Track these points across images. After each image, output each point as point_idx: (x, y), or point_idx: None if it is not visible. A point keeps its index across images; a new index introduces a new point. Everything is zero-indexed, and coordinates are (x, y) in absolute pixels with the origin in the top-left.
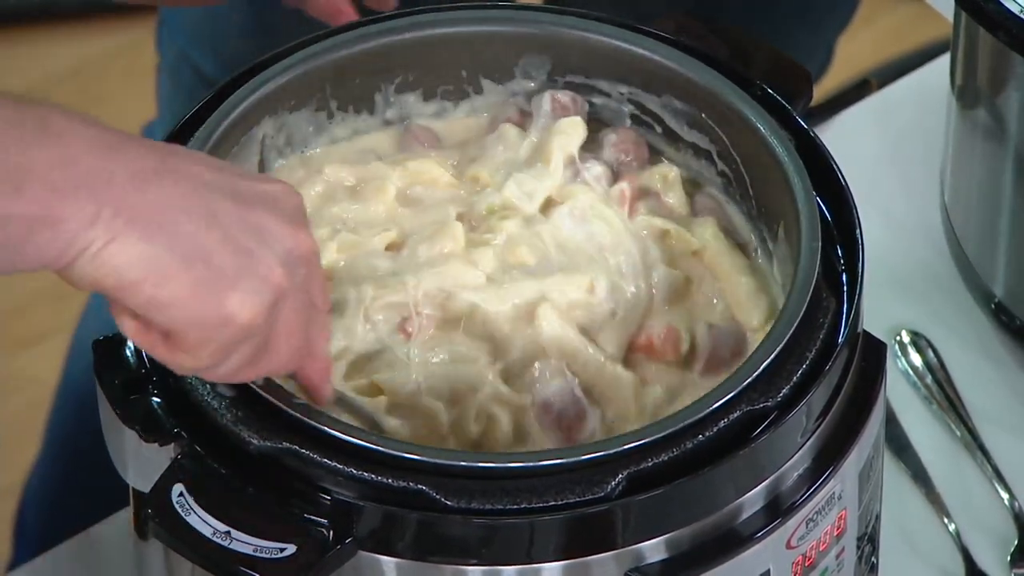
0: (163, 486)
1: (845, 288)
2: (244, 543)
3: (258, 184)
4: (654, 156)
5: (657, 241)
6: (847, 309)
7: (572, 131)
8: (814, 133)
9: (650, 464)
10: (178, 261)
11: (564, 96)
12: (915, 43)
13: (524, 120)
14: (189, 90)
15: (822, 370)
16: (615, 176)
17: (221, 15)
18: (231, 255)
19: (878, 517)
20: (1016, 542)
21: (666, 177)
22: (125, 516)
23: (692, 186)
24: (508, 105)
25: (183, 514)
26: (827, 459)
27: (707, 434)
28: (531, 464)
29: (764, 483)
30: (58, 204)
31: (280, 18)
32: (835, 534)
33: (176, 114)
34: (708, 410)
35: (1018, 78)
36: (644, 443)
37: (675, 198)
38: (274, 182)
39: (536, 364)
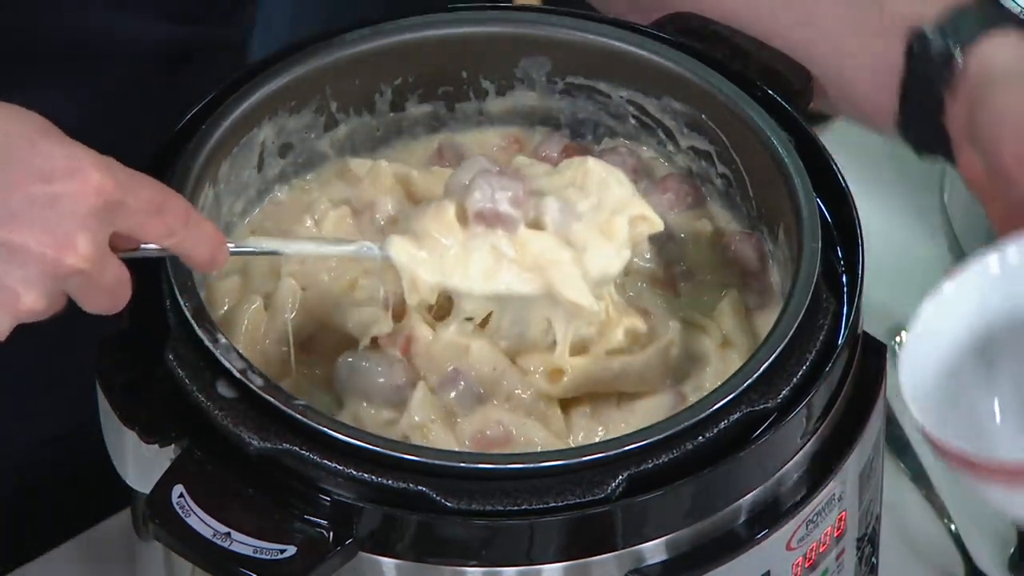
0: (163, 487)
1: (845, 289)
2: (244, 544)
3: (40, 187)
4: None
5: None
6: (847, 310)
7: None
8: (814, 133)
9: (651, 465)
10: None
11: (632, 160)
12: None
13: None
14: None
15: (822, 371)
16: None
17: None
18: None
19: (878, 518)
20: (1016, 543)
21: (700, 234)
22: (125, 517)
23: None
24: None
25: (183, 515)
26: (827, 460)
27: (707, 435)
28: (531, 465)
29: (764, 484)
30: None
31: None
32: (835, 535)
33: None
34: (708, 411)
35: None
36: (645, 444)
37: (703, 256)
38: (68, 178)
39: None
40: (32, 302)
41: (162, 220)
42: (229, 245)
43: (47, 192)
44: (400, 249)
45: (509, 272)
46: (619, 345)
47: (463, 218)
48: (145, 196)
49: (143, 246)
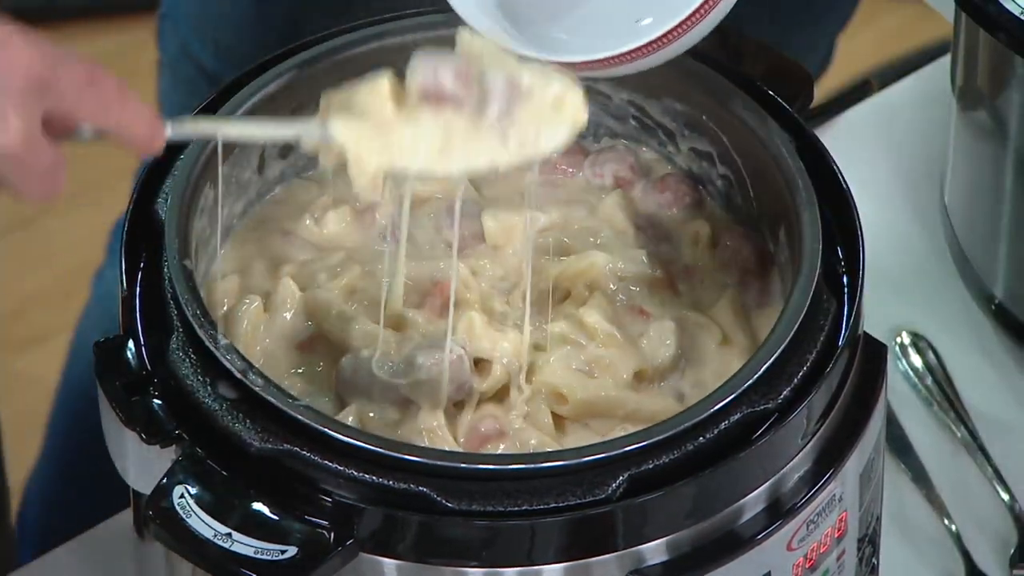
0: (164, 488)
1: (846, 290)
2: (245, 545)
3: None
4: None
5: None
6: (848, 311)
7: (627, 204)
8: (815, 134)
9: (651, 466)
10: None
11: (631, 158)
12: (915, 44)
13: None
14: (189, 85)
15: (823, 372)
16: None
17: (223, 7)
18: None
19: (879, 519)
20: (1016, 543)
21: (698, 234)
22: (126, 517)
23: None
24: None
25: (184, 516)
26: (828, 461)
27: (708, 436)
28: (532, 466)
29: (765, 485)
30: None
31: (280, 10)
32: (836, 536)
33: (176, 109)
34: (709, 412)
35: (1018, 79)
36: (645, 445)
37: (701, 256)
38: None
39: None
40: None
41: (96, 94)
42: (167, 128)
43: None
44: (343, 128)
45: (461, 150)
46: (626, 385)
47: (403, 100)
48: (76, 70)
49: (79, 129)
